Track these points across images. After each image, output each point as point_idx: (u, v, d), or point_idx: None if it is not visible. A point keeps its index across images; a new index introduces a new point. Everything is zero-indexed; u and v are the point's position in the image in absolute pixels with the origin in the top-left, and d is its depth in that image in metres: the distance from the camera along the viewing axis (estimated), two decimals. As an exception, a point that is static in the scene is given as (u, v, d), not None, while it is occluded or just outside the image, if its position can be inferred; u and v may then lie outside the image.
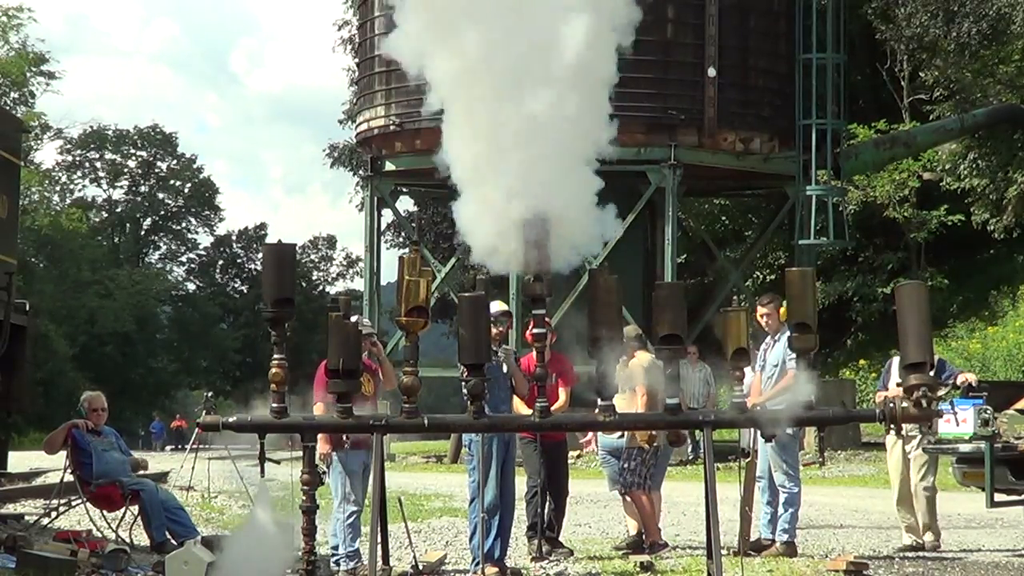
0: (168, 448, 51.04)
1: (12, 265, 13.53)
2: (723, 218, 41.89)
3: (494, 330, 10.73)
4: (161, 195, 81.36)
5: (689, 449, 23.90)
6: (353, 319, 8.92)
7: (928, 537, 13.10)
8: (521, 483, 12.06)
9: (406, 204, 46.44)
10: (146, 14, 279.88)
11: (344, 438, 10.82)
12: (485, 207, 8.48)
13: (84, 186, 78.76)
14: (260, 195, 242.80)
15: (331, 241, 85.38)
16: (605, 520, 13.77)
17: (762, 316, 12.68)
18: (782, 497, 12.44)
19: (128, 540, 12.54)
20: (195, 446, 19.95)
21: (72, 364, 61.54)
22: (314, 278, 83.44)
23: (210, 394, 10.51)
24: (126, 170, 79.79)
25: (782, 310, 12.39)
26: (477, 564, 11.06)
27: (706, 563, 8.79)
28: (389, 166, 32.18)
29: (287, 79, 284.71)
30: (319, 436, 10.87)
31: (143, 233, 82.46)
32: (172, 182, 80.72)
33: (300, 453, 8.57)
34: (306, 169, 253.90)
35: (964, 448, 12.28)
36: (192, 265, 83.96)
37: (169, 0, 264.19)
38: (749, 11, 30.55)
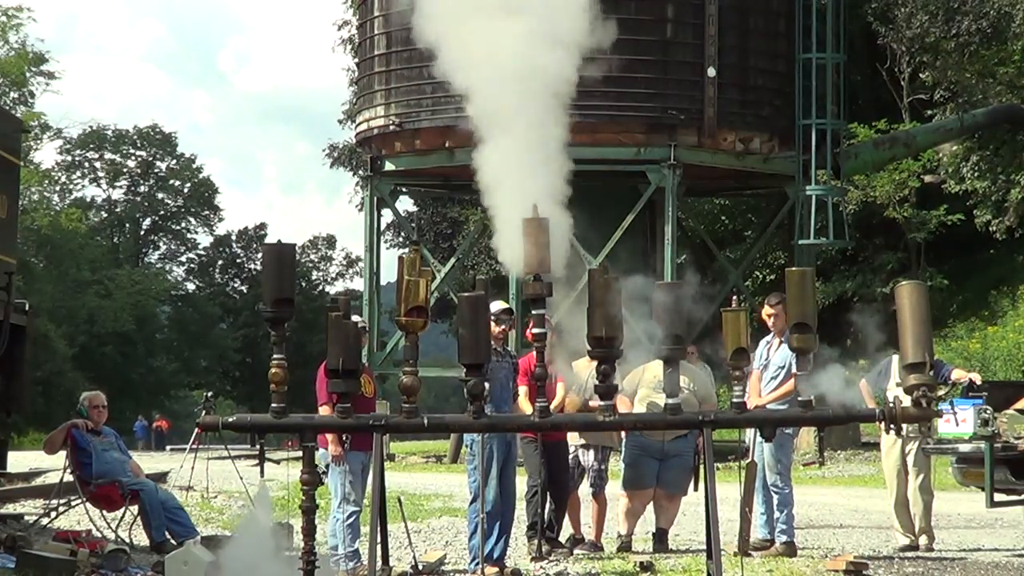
0: (168, 448, 51.01)
1: (12, 265, 13.52)
2: (723, 218, 41.89)
3: (497, 328, 10.75)
4: (160, 195, 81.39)
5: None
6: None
7: (923, 540, 13.10)
8: (521, 483, 12.06)
9: (406, 204, 46.54)
10: (132, 14, 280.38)
11: (344, 438, 10.83)
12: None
13: (83, 186, 78.93)
14: (255, 194, 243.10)
15: (330, 241, 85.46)
16: (606, 519, 13.76)
17: (768, 316, 12.66)
18: (775, 499, 12.46)
19: (128, 540, 12.53)
20: (194, 446, 19.95)
21: (72, 364, 61.54)
22: (313, 278, 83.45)
23: (210, 394, 10.49)
24: (125, 170, 79.82)
25: None
26: (477, 564, 11.06)
27: (706, 563, 8.78)
28: (389, 166, 32.20)
29: (275, 78, 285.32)
30: (330, 438, 10.93)
31: (143, 233, 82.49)
32: (171, 182, 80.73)
33: (300, 453, 8.56)
34: (300, 168, 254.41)
35: (964, 448, 12.29)
36: (192, 265, 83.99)
37: (155, 1, 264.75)
38: (749, 11, 30.56)
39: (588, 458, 13.07)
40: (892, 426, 8.45)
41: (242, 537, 9.14)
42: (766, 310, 12.71)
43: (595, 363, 8.52)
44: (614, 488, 13.52)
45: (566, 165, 8.87)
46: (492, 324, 9.94)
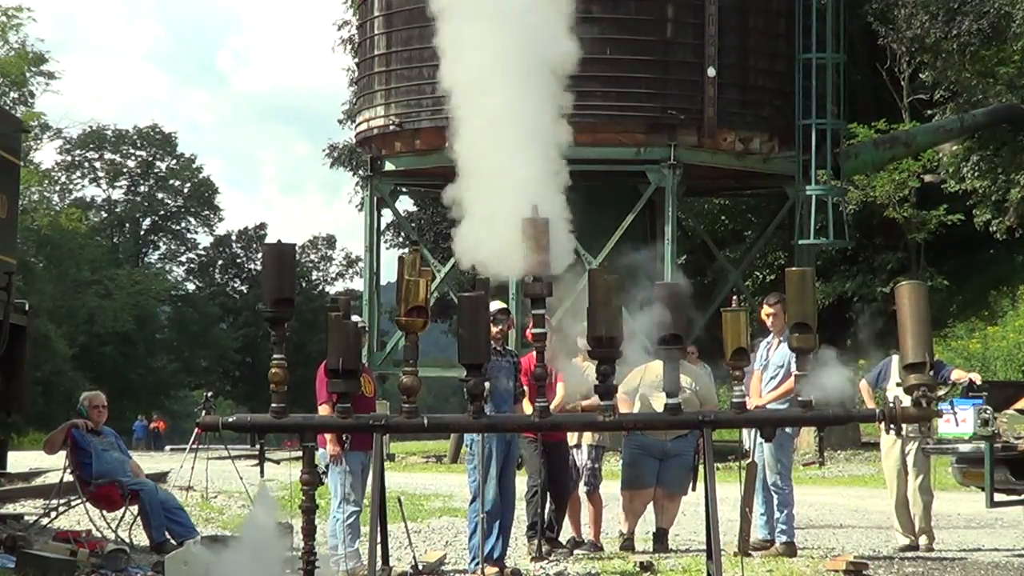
0: (168, 448, 51.02)
1: (12, 265, 13.52)
2: (723, 218, 41.90)
3: (494, 329, 10.74)
4: (160, 195, 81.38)
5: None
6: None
7: (923, 540, 13.10)
8: (521, 483, 12.07)
9: (406, 204, 46.54)
10: (130, 14, 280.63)
11: (344, 438, 10.83)
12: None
13: (83, 186, 78.92)
14: (255, 195, 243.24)
15: (330, 241, 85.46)
16: (606, 520, 13.77)
17: (767, 315, 12.65)
18: (776, 499, 12.46)
19: (128, 540, 12.54)
20: (194, 446, 19.97)
21: (72, 364, 61.52)
22: (313, 278, 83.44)
23: (210, 394, 10.49)
24: (125, 170, 79.81)
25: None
26: (477, 564, 11.06)
27: (706, 563, 8.78)
28: (389, 166, 32.21)
29: (274, 78, 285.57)
30: (328, 437, 10.93)
31: (143, 233, 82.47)
32: (171, 182, 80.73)
33: (300, 453, 8.56)
34: (299, 168, 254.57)
35: (964, 448, 12.29)
36: (192, 265, 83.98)
37: (152, 1, 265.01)
38: (749, 11, 30.57)
39: (581, 458, 13.07)
40: (892, 426, 8.45)
41: (246, 536, 9.11)
42: (765, 310, 12.71)
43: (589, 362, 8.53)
44: (610, 488, 13.52)
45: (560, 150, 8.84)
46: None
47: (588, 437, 13.02)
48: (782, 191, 31.83)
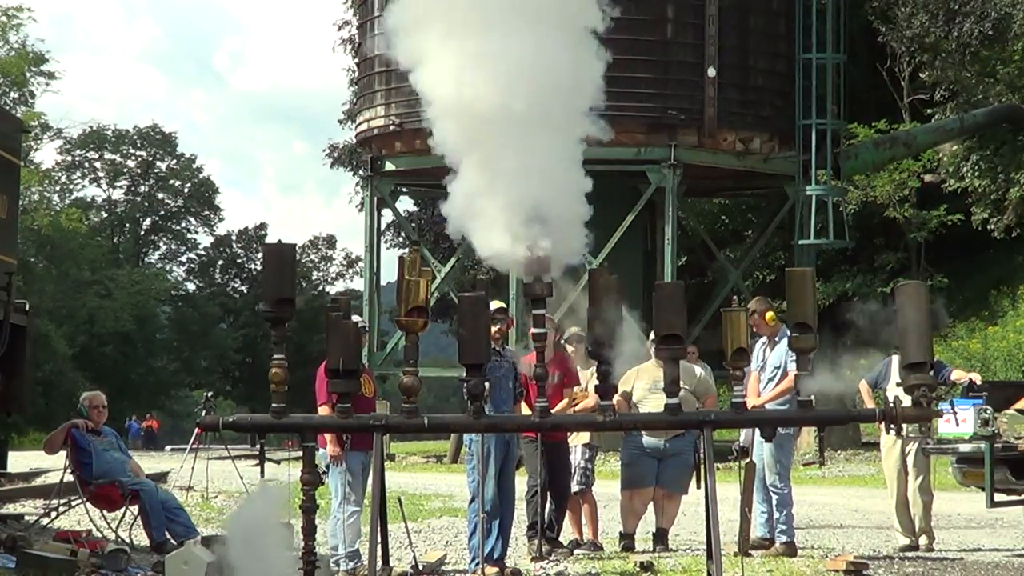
0: (169, 448, 50.99)
1: (12, 265, 13.51)
2: (723, 218, 41.90)
3: (493, 328, 10.74)
4: (161, 195, 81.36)
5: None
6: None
7: (923, 540, 13.10)
8: (521, 483, 12.06)
9: (406, 204, 46.56)
10: (127, 14, 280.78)
11: (344, 438, 10.83)
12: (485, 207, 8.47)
13: (84, 186, 78.88)
14: (254, 195, 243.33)
15: (330, 241, 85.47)
16: (606, 520, 13.78)
17: (753, 325, 12.63)
18: (775, 499, 12.46)
19: (128, 540, 12.54)
20: (194, 446, 19.97)
21: (72, 364, 61.47)
22: (314, 278, 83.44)
23: (210, 394, 10.50)
24: (125, 170, 79.78)
25: (769, 314, 12.45)
26: (477, 564, 11.06)
27: (706, 563, 8.78)
28: (389, 166, 32.21)
29: (272, 78, 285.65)
30: (329, 438, 10.93)
31: (143, 233, 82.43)
32: (172, 182, 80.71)
33: (300, 453, 8.55)
34: (299, 168, 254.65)
35: (964, 448, 12.29)
36: (192, 265, 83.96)
37: (149, 1, 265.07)
38: (749, 11, 30.59)
39: (575, 457, 13.05)
40: (892, 426, 8.45)
41: (240, 531, 9.06)
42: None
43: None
44: (608, 488, 13.50)
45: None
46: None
47: (582, 437, 13.01)
48: (782, 191, 31.84)
